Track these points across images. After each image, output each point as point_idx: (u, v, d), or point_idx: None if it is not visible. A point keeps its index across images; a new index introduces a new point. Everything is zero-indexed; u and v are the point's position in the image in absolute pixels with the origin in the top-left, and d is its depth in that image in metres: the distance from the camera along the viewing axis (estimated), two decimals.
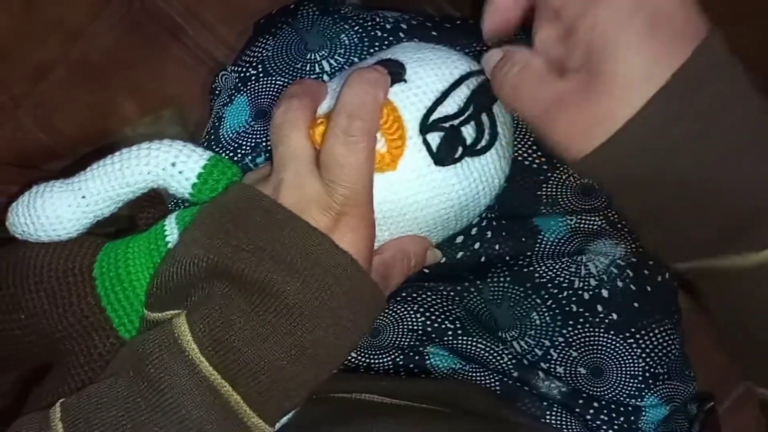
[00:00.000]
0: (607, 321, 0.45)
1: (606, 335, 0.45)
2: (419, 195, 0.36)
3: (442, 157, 0.35)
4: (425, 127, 0.35)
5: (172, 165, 0.37)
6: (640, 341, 0.45)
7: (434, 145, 0.35)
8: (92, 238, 0.39)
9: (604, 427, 0.44)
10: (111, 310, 0.37)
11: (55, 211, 0.37)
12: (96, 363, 0.37)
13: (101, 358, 0.37)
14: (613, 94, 0.29)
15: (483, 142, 0.36)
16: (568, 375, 0.45)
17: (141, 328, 0.36)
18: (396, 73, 0.36)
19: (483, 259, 0.47)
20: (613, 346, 0.45)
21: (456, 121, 0.36)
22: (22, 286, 0.38)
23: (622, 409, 0.44)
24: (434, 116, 0.35)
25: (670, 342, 0.46)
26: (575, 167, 0.32)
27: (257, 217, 0.33)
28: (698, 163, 0.29)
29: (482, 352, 0.45)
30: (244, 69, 0.49)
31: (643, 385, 0.45)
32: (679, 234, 0.32)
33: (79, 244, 0.38)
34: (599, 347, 0.45)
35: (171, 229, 0.37)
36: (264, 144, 0.47)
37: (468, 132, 0.36)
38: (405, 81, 0.36)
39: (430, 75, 0.36)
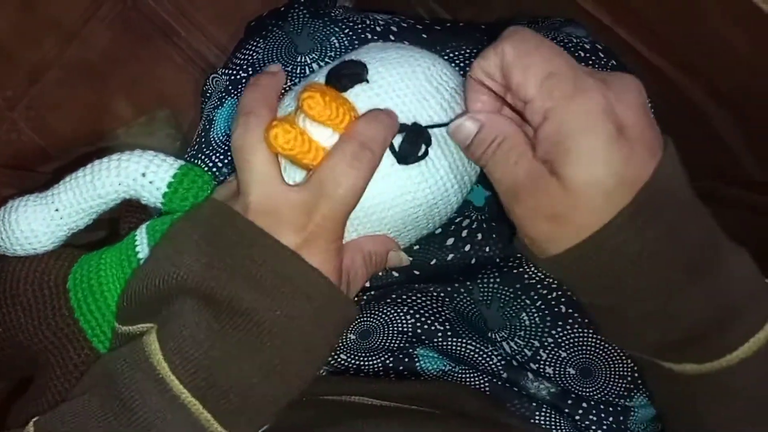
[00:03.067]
0: None
1: (595, 336, 0.45)
2: (384, 195, 0.36)
3: (405, 155, 0.35)
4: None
5: (143, 175, 0.38)
6: None
7: (396, 143, 0.35)
8: (69, 251, 0.39)
9: (593, 427, 0.44)
10: (84, 321, 0.37)
11: (30, 225, 0.38)
12: (72, 374, 0.37)
13: (77, 370, 0.37)
14: (572, 202, 0.31)
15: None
16: (557, 375, 0.45)
17: (112, 341, 0.37)
18: (357, 73, 0.36)
19: (473, 260, 0.47)
20: (602, 347, 0.45)
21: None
22: None
23: (611, 409, 0.45)
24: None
25: None
26: (534, 261, 0.35)
27: (229, 234, 0.33)
28: (651, 282, 0.32)
29: (472, 353, 0.45)
30: (235, 72, 0.49)
31: (632, 386, 0.45)
32: (627, 334, 0.35)
33: (55, 257, 0.39)
34: (588, 348, 0.45)
35: (141, 239, 0.38)
36: None
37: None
38: (367, 81, 0.36)
39: (392, 74, 0.36)
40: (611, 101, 0.31)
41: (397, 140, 0.35)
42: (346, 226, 0.35)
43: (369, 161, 0.33)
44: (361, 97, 0.36)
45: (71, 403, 0.32)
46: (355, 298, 0.47)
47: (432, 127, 0.36)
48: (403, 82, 0.36)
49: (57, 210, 0.38)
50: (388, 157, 0.35)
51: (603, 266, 0.32)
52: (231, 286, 0.32)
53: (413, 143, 0.35)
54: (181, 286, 0.32)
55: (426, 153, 0.35)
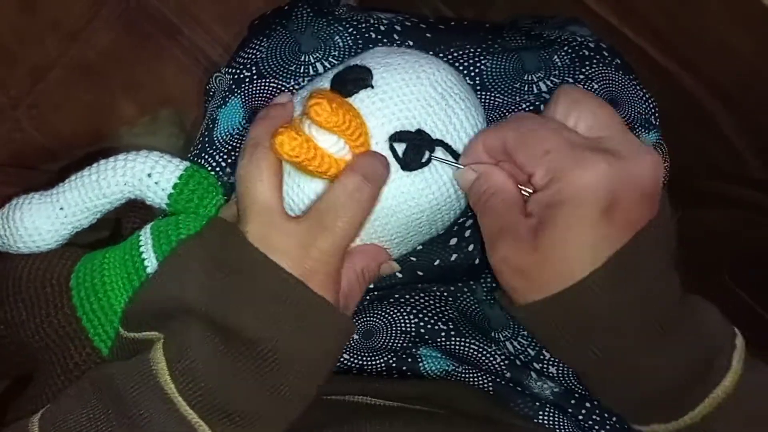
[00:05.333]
0: None
1: None
2: (388, 201, 0.36)
3: (409, 161, 0.35)
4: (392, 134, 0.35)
5: (148, 176, 0.38)
6: None
7: (400, 150, 0.35)
8: (72, 249, 0.39)
9: (597, 426, 0.44)
10: (86, 320, 0.37)
11: (34, 223, 0.38)
12: (72, 373, 0.37)
13: (77, 368, 0.37)
14: (537, 261, 0.32)
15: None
16: (560, 375, 0.45)
17: (115, 343, 0.37)
18: (362, 79, 0.36)
19: (477, 261, 0.47)
20: None
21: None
22: (2, 297, 0.38)
23: None
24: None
25: None
26: (509, 309, 0.35)
27: (234, 259, 0.33)
28: (619, 339, 0.32)
29: (475, 353, 0.45)
30: (238, 71, 0.49)
31: None
32: (597, 393, 0.36)
33: (59, 255, 0.39)
34: None
35: (146, 239, 0.38)
36: None
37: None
38: (372, 87, 0.36)
39: (396, 80, 0.36)
40: (611, 176, 0.31)
41: (401, 147, 0.35)
42: None
43: (369, 195, 0.34)
44: (365, 103, 0.36)
45: (77, 416, 0.32)
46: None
47: (443, 161, 0.36)
48: (408, 87, 0.36)
49: (62, 208, 0.38)
50: (392, 164, 0.35)
51: (566, 325, 0.33)
52: (234, 315, 0.32)
53: (417, 150, 0.35)
54: (187, 309, 0.33)
55: (429, 160, 0.36)
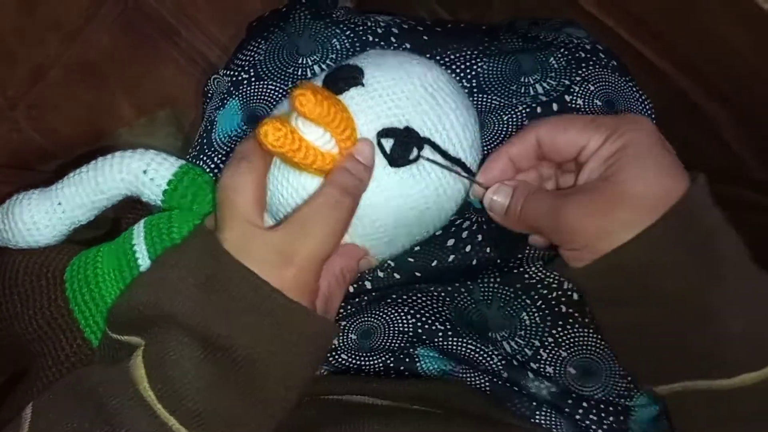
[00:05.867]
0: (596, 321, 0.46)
1: (595, 335, 0.45)
2: (376, 197, 0.36)
3: (396, 158, 0.35)
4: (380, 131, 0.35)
5: (144, 172, 0.39)
6: None
7: (388, 146, 0.35)
8: (70, 246, 0.40)
9: (594, 426, 0.44)
10: (78, 311, 0.38)
11: (33, 218, 0.39)
12: (63, 365, 0.38)
13: (68, 360, 0.38)
14: (624, 195, 0.33)
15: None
16: (557, 375, 0.45)
17: (102, 339, 0.37)
18: (353, 77, 0.36)
19: (474, 262, 0.47)
20: (602, 347, 0.45)
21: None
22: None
23: (611, 408, 0.45)
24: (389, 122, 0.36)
25: None
26: (576, 274, 0.36)
27: (210, 267, 0.34)
28: (687, 285, 0.33)
29: (472, 353, 0.45)
30: (236, 73, 0.49)
31: (632, 385, 0.45)
32: (658, 356, 0.36)
33: (57, 250, 0.39)
34: (589, 347, 0.45)
35: (138, 233, 0.38)
36: None
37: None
38: (362, 85, 0.36)
39: (387, 78, 0.36)
40: (654, 128, 0.35)
41: (389, 143, 0.35)
42: None
43: (349, 206, 0.35)
44: (355, 100, 0.36)
45: (62, 427, 0.32)
46: (357, 299, 0.47)
47: (438, 164, 0.37)
48: (398, 86, 0.36)
49: (60, 204, 0.39)
50: (380, 160, 0.35)
51: (653, 262, 0.33)
52: (210, 323, 0.32)
53: (404, 147, 0.35)
54: (165, 316, 0.33)
55: (418, 157, 0.36)
